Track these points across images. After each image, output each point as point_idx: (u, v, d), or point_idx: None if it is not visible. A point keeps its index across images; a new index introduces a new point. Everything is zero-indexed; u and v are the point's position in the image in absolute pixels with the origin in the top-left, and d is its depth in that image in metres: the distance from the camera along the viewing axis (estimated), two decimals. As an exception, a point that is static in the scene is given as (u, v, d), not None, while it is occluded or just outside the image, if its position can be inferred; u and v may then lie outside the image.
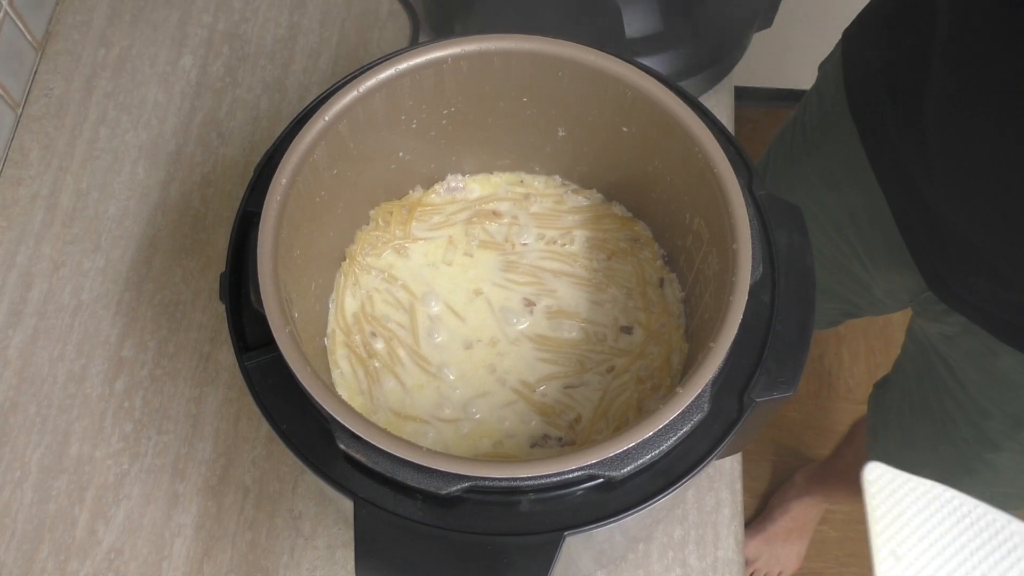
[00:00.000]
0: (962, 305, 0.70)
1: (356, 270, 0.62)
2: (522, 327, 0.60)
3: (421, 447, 0.44)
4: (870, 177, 0.75)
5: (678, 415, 0.45)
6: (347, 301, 0.61)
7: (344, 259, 0.62)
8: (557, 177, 0.66)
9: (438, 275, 0.62)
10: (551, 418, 0.57)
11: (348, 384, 0.59)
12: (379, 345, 0.60)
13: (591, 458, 0.44)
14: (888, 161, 0.72)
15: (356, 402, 0.58)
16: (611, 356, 0.59)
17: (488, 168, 0.65)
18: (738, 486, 0.69)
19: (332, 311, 0.61)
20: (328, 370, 0.59)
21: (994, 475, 0.82)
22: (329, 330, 0.60)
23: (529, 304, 0.61)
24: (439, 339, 0.60)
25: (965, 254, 0.67)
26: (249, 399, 0.60)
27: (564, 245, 0.63)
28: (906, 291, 0.80)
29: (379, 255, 0.62)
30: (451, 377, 0.59)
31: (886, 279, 0.81)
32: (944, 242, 0.68)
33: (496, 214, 0.64)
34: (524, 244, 0.63)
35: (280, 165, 0.51)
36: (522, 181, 0.66)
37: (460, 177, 0.65)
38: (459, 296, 0.62)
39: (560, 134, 0.61)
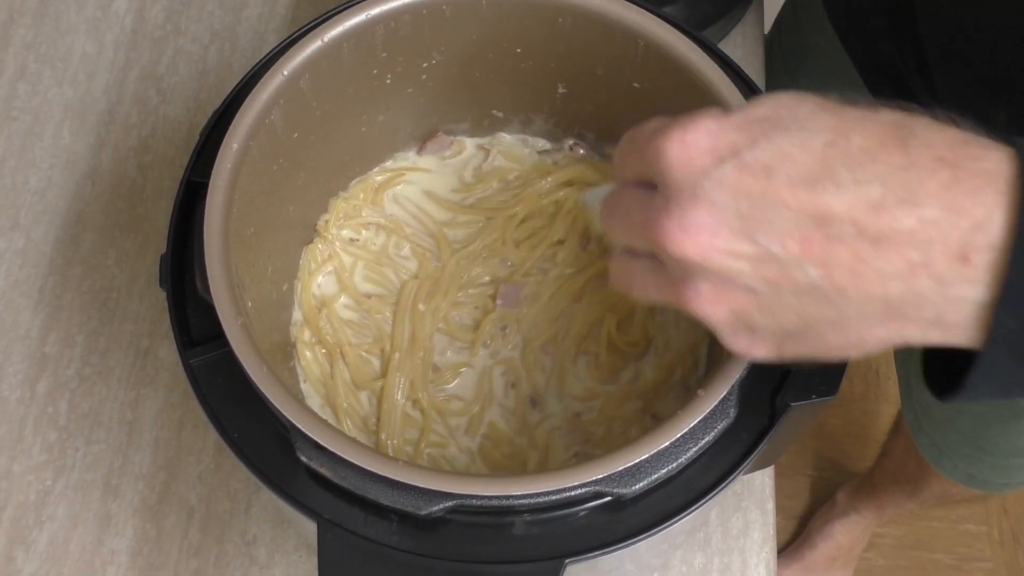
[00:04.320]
0: None
1: (336, 245, 0.62)
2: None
3: (396, 460, 0.44)
4: (871, 103, 0.75)
5: (699, 422, 0.45)
6: (321, 283, 0.61)
7: (309, 239, 0.62)
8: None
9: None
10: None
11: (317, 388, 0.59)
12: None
13: (597, 472, 0.44)
14: (884, 78, 0.72)
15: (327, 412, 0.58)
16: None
17: (475, 131, 0.66)
18: (770, 505, 0.69)
19: (297, 298, 0.61)
20: (292, 371, 0.59)
21: None
22: (294, 320, 0.60)
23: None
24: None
25: None
26: (194, 403, 0.60)
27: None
28: None
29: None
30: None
31: None
32: None
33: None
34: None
35: (231, 128, 0.51)
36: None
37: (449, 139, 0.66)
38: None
39: (560, 91, 0.61)
